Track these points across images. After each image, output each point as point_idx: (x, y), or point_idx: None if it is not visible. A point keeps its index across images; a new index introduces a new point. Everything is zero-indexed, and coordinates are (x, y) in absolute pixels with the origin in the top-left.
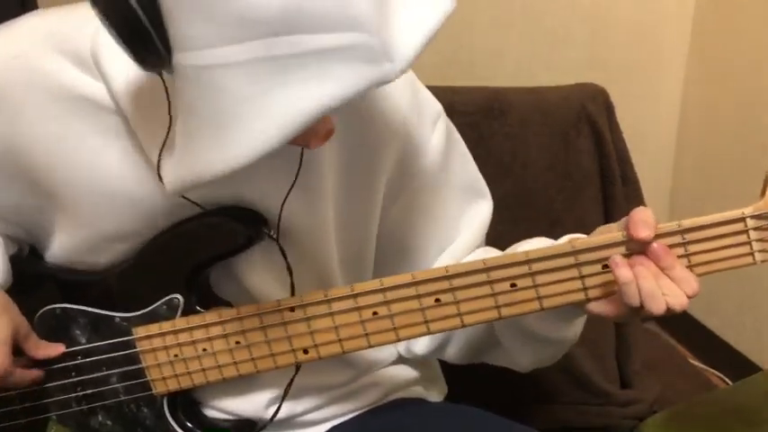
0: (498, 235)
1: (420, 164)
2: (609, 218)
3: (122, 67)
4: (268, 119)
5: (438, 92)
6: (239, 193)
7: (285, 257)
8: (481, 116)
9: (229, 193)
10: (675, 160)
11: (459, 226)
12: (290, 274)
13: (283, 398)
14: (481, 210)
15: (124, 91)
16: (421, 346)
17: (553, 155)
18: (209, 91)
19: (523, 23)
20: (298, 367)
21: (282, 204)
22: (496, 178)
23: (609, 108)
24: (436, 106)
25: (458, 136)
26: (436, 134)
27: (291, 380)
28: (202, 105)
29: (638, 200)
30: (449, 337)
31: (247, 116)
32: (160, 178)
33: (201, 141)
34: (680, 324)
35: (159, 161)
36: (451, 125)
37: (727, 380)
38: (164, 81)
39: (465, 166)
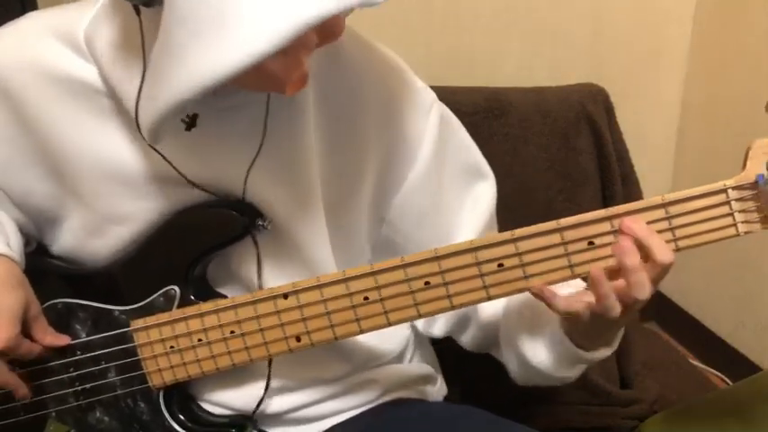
0: None
1: (416, 155)
2: None
3: (110, 43)
4: (262, 22)
5: (438, 92)
6: (208, 163)
7: (256, 244)
8: (481, 116)
9: (198, 162)
10: (675, 160)
11: (462, 211)
12: (259, 265)
13: (267, 387)
14: (483, 191)
15: (110, 62)
16: (437, 328)
17: (553, 155)
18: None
19: (524, 23)
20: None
21: (246, 177)
22: (496, 178)
23: (609, 108)
24: (429, 95)
25: (455, 121)
26: (431, 122)
27: (269, 366)
28: (195, 16)
29: (637, 200)
30: (465, 323)
31: (243, 23)
32: (138, 129)
33: (185, 53)
34: (680, 324)
35: (137, 111)
36: (447, 111)
37: (727, 380)
38: (139, 18)
39: (463, 151)
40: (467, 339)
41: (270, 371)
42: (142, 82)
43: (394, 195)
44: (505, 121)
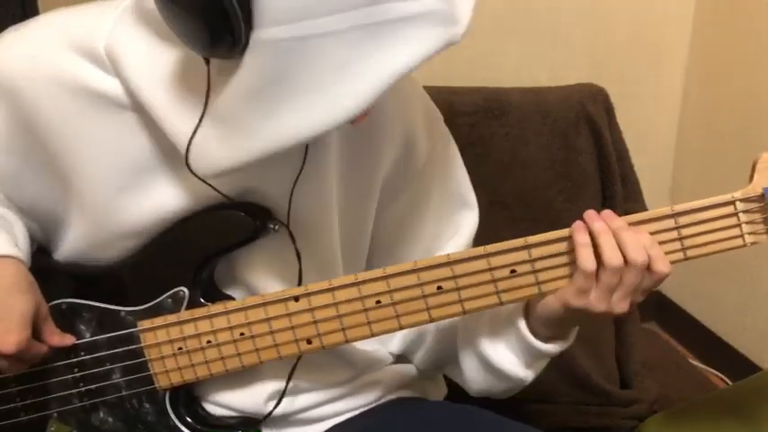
0: (498, 235)
1: (420, 167)
2: None
3: (144, 61)
4: (363, 81)
5: (438, 92)
6: (251, 182)
7: (294, 243)
8: (481, 116)
9: (241, 183)
10: (675, 160)
11: (448, 232)
12: (299, 259)
13: (284, 392)
14: (468, 220)
15: (147, 83)
16: (395, 345)
17: (553, 155)
18: (303, 60)
19: (524, 23)
20: (297, 359)
21: (292, 192)
22: (496, 178)
23: (609, 108)
24: (439, 116)
25: (454, 144)
26: (438, 140)
27: (290, 374)
28: (291, 76)
29: (637, 200)
30: (422, 338)
31: (343, 80)
32: (187, 165)
33: (284, 110)
34: (680, 324)
35: (189, 147)
36: (449, 134)
37: (727, 380)
38: (208, 67)
39: (456, 177)
40: (420, 356)
41: (290, 375)
42: (201, 122)
43: (386, 208)
44: (505, 121)
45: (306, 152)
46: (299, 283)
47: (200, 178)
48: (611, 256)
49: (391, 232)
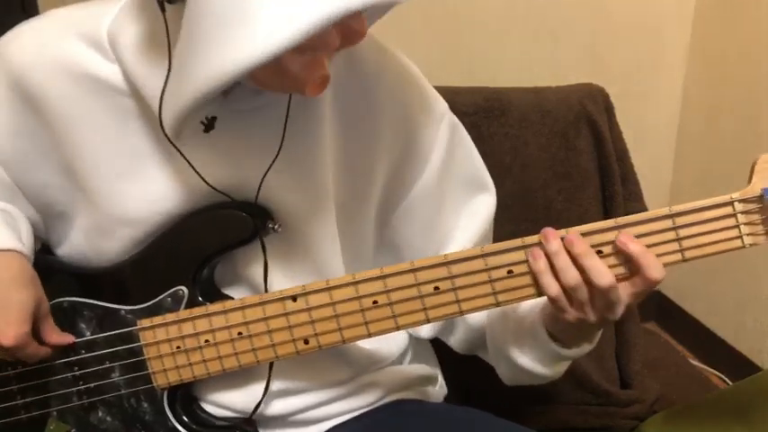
0: (498, 235)
1: (426, 162)
2: (609, 217)
3: (138, 45)
4: (284, 16)
5: (438, 92)
6: (225, 165)
7: (263, 249)
8: (481, 116)
9: (215, 164)
10: (675, 160)
11: (459, 221)
12: (266, 267)
13: (266, 390)
14: (484, 203)
15: (141, 66)
16: (425, 331)
17: (553, 155)
18: None
19: (523, 23)
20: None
21: (262, 180)
22: (496, 178)
23: (609, 108)
24: (441, 104)
25: (462, 131)
26: (442, 131)
27: (270, 370)
28: (216, 7)
29: (638, 199)
30: (452, 326)
31: (263, 13)
32: (161, 126)
33: (208, 47)
34: (680, 324)
35: (161, 108)
36: (457, 121)
37: (727, 380)
38: (164, 15)
39: (468, 162)
40: (454, 341)
41: (270, 374)
42: (168, 79)
43: (401, 201)
44: (505, 121)
45: (283, 137)
46: (265, 281)
47: (173, 144)
48: (567, 277)
49: (411, 227)
